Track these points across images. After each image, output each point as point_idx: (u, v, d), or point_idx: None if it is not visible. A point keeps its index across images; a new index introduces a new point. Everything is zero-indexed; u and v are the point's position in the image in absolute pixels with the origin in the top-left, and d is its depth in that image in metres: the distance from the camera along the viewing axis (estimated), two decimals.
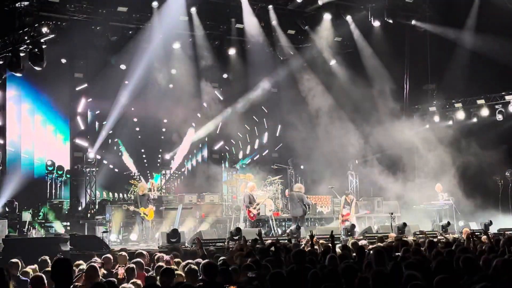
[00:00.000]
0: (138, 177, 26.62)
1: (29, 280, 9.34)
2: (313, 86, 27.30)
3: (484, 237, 13.76)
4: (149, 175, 27.27)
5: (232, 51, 26.54)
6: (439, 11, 26.61)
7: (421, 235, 17.69)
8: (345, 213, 22.65)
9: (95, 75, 25.11)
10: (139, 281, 9.12)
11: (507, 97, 25.72)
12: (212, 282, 7.86)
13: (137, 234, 20.92)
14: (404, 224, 20.11)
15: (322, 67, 27.58)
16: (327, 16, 26.33)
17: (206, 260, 8.72)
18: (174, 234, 17.92)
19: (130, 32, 24.11)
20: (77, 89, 25.36)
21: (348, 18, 26.62)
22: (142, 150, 27.69)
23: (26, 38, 21.03)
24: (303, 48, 27.82)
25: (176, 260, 11.51)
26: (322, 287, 6.98)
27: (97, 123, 26.40)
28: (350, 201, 22.80)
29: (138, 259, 11.40)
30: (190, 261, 10.23)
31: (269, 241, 13.97)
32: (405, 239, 11.81)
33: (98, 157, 25.15)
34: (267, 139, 29.72)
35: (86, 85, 25.35)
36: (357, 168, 27.19)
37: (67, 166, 25.17)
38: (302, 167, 28.53)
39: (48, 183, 24.63)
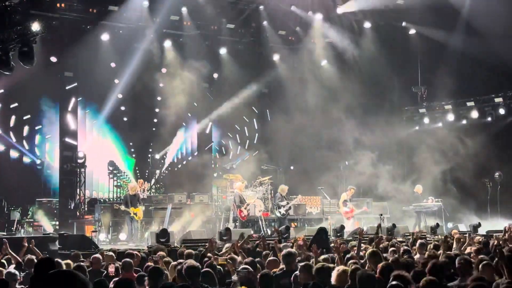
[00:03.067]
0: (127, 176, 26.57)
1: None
2: (304, 86, 27.31)
3: (477, 238, 13.82)
4: (138, 173, 27.23)
5: (223, 51, 26.56)
6: (429, 13, 26.66)
7: (410, 236, 17.72)
8: (349, 209, 22.84)
9: (86, 74, 25.03)
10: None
11: (497, 99, 25.83)
12: (194, 284, 7.82)
13: (126, 233, 20.87)
14: (394, 225, 20.15)
15: (313, 68, 27.59)
16: (318, 17, 26.39)
17: (190, 262, 8.67)
18: (163, 234, 17.86)
19: (120, 32, 24.07)
20: (67, 88, 25.27)
21: (339, 19, 26.69)
22: (132, 150, 27.64)
23: (15, 36, 20.92)
24: (294, 49, 27.83)
25: (166, 259, 11.44)
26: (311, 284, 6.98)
27: (87, 122, 26.32)
28: (350, 197, 23.19)
29: (128, 259, 11.34)
30: (181, 261, 10.19)
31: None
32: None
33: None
34: (257, 140, 29.70)
35: (76, 84, 25.25)
36: (347, 169, 27.21)
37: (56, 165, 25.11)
38: (292, 167, 28.56)
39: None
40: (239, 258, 10.56)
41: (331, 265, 8.63)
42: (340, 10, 26.30)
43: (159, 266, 9.16)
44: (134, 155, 27.74)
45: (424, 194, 24.63)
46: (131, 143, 27.85)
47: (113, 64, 25.01)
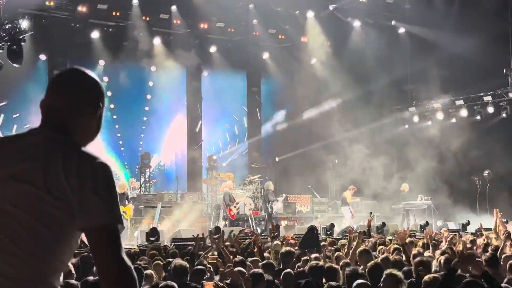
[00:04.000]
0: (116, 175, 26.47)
1: None
2: (294, 85, 27.32)
3: (466, 237, 13.86)
4: (129, 172, 27.14)
5: (213, 49, 26.55)
6: (419, 12, 26.76)
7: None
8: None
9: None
10: None
11: (486, 98, 25.93)
12: (182, 283, 7.80)
13: None
14: (383, 224, 20.18)
15: (303, 66, 27.60)
16: (308, 16, 26.43)
17: (178, 261, 8.65)
18: (153, 233, 17.81)
19: (110, 30, 24.00)
20: None
21: (329, 18, 26.73)
22: (122, 149, 27.55)
23: (4, 34, 20.82)
24: (284, 48, 27.82)
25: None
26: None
27: None
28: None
29: None
30: (170, 260, 10.14)
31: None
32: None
33: None
34: (247, 138, 29.68)
35: None
36: (337, 168, 27.25)
37: None
38: (282, 166, 28.56)
39: None
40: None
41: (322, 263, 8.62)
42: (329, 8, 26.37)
43: (139, 266, 9.09)
44: (123, 154, 27.63)
45: (412, 192, 24.72)
46: (120, 142, 27.74)
47: (102, 62, 24.91)
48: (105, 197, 2.74)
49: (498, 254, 9.45)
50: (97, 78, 3.01)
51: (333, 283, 6.80)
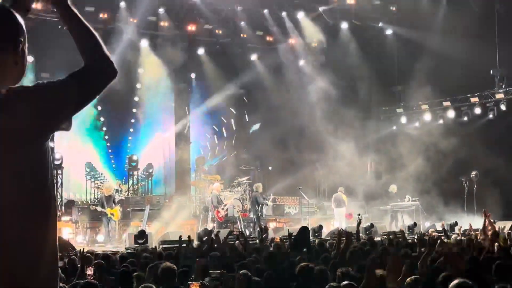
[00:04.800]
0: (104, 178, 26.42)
1: None
2: (282, 86, 27.34)
3: (453, 237, 13.92)
4: (116, 175, 27.08)
5: (201, 51, 26.55)
6: (406, 13, 26.87)
7: (388, 236, 17.79)
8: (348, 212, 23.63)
9: (63, 75, 24.77)
10: None
11: (472, 99, 26.04)
12: (170, 286, 7.79)
13: (104, 235, 20.74)
14: (371, 225, 20.25)
15: (290, 68, 27.62)
16: (295, 18, 26.47)
17: (165, 264, 8.64)
18: (141, 235, 17.79)
19: (97, 32, 23.91)
20: None
21: (317, 19, 26.79)
22: (110, 151, 27.50)
23: None
24: (272, 49, 27.84)
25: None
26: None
27: None
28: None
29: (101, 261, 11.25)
30: (158, 262, 10.12)
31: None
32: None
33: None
34: (235, 140, 29.68)
35: None
36: (325, 169, 27.29)
37: None
38: (270, 168, 28.58)
39: None
40: None
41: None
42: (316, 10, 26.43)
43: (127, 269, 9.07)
44: (111, 156, 27.58)
45: (400, 193, 24.81)
46: (108, 144, 27.69)
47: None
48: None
49: (483, 255, 9.48)
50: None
51: (334, 284, 6.79)
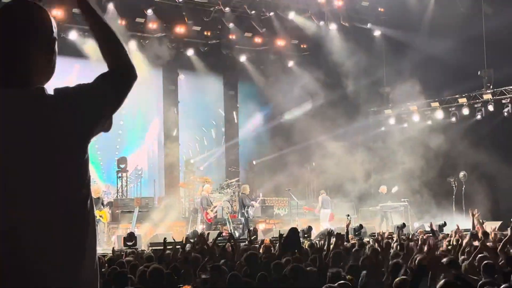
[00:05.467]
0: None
1: None
2: (271, 88, 27.36)
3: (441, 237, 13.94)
4: (105, 177, 26.99)
5: (190, 52, 26.54)
6: (394, 15, 26.94)
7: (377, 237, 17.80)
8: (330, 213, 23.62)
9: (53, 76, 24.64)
10: None
11: (461, 100, 26.14)
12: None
13: None
14: (361, 226, 20.26)
15: (279, 69, 27.63)
16: (284, 19, 26.49)
17: (153, 266, 8.60)
18: (130, 238, 17.75)
19: (86, 33, 23.82)
20: None
21: (305, 21, 26.83)
22: (99, 153, 27.36)
23: None
24: (261, 51, 27.86)
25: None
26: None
27: None
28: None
29: None
30: (148, 264, 10.08)
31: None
32: None
33: None
34: (225, 141, 29.66)
35: None
36: (314, 170, 27.33)
37: None
38: (259, 169, 28.57)
39: None
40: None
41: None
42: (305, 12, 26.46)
43: (123, 271, 9.03)
44: (99, 158, 27.44)
45: (389, 193, 24.87)
46: (96, 146, 27.51)
47: (77, 65, 24.72)
48: None
49: (473, 254, 9.51)
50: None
51: (334, 285, 6.78)
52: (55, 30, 2.86)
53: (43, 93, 2.70)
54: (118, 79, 2.88)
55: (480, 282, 7.11)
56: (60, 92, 2.72)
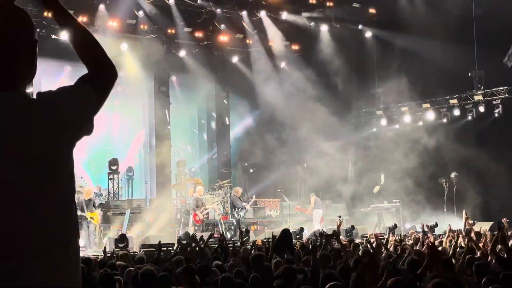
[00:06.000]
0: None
1: None
2: (263, 89, 27.35)
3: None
4: (96, 178, 26.93)
5: (182, 53, 26.53)
6: (385, 16, 27.01)
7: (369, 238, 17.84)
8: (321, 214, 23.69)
9: (46, 78, 24.56)
10: None
11: (452, 101, 26.21)
12: None
13: (84, 239, 20.59)
14: (352, 227, 20.31)
15: (271, 70, 27.63)
16: (275, 20, 26.54)
17: (145, 268, 8.58)
18: (122, 239, 17.72)
19: None
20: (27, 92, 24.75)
21: (297, 21, 26.88)
22: (90, 154, 27.28)
23: None
24: (252, 52, 27.86)
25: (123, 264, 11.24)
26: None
27: None
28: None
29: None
30: (140, 266, 10.04)
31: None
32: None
33: None
34: (216, 143, 29.62)
35: (32, 89, 24.79)
36: (306, 171, 27.35)
37: None
38: (251, 170, 28.57)
39: None
40: None
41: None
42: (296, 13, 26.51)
43: (111, 273, 8.99)
44: (90, 160, 27.36)
45: (381, 194, 24.93)
46: (87, 147, 27.41)
47: (68, 67, 24.68)
48: None
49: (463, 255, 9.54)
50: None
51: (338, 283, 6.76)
52: (35, 33, 2.87)
53: (27, 97, 2.71)
54: (99, 81, 2.86)
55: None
56: (44, 96, 2.72)
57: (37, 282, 2.58)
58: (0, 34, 2.72)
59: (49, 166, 2.66)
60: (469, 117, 25.79)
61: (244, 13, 26.25)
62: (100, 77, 2.88)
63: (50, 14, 2.93)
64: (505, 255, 9.38)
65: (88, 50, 2.89)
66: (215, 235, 18.02)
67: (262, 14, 26.41)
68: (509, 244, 10.80)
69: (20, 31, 2.78)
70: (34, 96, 2.76)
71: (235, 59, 27.84)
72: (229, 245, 13.21)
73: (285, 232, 13.31)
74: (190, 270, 8.72)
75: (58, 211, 2.68)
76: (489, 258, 9.63)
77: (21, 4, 2.89)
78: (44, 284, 2.59)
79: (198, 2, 24.97)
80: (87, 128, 2.81)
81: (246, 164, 28.17)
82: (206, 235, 16.70)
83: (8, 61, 2.74)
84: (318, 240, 12.87)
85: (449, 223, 16.85)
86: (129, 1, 23.83)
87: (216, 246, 13.45)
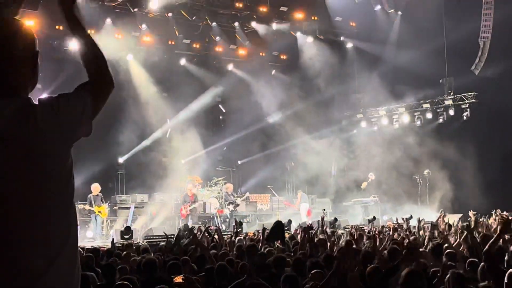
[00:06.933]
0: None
1: None
2: (255, 94, 27.35)
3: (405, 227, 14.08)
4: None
5: (183, 61, 26.59)
6: (364, 29, 27.09)
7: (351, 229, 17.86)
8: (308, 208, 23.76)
9: (56, 86, 24.45)
10: None
11: (424, 105, 26.33)
12: (152, 278, 7.72)
13: (93, 231, 20.57)
14: (335, 219, 20.31)
15: (263, 78, 27.60)
16: (265, 31, 26.57)
17: (147, 257, 8.56)
18: (127, 231, 17.70)
19: None
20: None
21: (284, 33, 26.98)
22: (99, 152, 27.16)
23: None
24: (246, 61, 27.84)
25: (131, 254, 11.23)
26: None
27: None
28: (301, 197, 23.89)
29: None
30: (146, 255, 10.02)
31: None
32: None
33: None
34: (213, 144, 29.55)
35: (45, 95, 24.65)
36: (293, 169, 27.38)
37: None
38: (243, 169, 28.55)
39: None
40: None
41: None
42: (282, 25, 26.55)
43: (112, 262, 8.97)
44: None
45: (367, 190, 25.00)
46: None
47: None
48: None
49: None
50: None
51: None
52: (37, 44, 2.86)
53: (29, 103, 2.72)
54: (97, 90, 2.86)
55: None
56: (45, 102, 2.73)
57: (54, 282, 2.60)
58: (4, 45, 2.74)
59: (49, 166, 2.67)
60: (440, 120, 25.91)
61: (237, 25, 26.26)
62: (100, 87, 2.88)
63: (64, 24, 2.94)
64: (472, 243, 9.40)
65: (93, 62, 2.89)
66: (211, 228, 17.99)
67: (254, 25, 26.41)
68: (476, 234, 10.84)
69: (23, 42, 2.79)
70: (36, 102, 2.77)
71: (230, 67, 27.89)
72: (224, 236, 13.22)
73: (278, 224, 13.32)
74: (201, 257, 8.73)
75: (58, 210, 2.69)
76: (461, 247, 9.68)
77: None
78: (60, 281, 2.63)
79: (194, 18, 25.03)
80: (85, 131, 2.81)
81: (239, 162, 28.14)
82: (201, 227, 16.72)
83: (12, 70, 2.75)
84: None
85: (422, 216, 16.89)
86: (133, 16, 23.80)
87: (211, 237, 13.44)
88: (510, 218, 7.98)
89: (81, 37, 2.90)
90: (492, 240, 6.80)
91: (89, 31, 2.93)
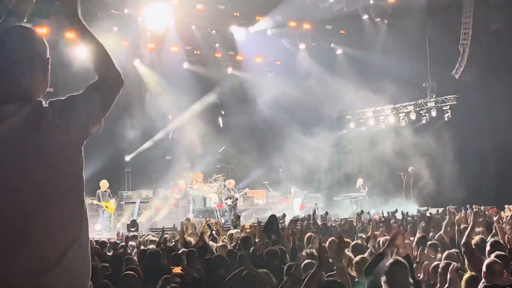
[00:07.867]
0: None
1: None
2: (252, 96, 27.33)
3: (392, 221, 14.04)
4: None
5: (185, 65, 26.61)
6: (353, 36, 27.08)
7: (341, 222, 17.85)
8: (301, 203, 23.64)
9: (67, 89, 24.39)
10: None
11: (409, 107, 26.34)
12: (155, 268, 7.69)
13: (101, 225, 20.52)
14: (326, 213, 20.31)
15: (259, 81, 27.57)
16: (261, 39, 26.56)
17: (151, 248, 8.51)
18: (133, 224, 17.66)
19: None
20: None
21: (278, 40, 27.01)
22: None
23: None
24: (243, 66, 27.84)
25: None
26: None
27: None
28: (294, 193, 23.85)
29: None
30: (151, 247, 9.97)
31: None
32: None
33: None
34: (212, 143, 29.51)
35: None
36: (288, 167, 27.36)
37: None
38: (241, 166, 28.50)
39: None
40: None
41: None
42: (275, 31, 26.54)
43: (118, 254, 8.92)
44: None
45: (361, 185, 25.04)
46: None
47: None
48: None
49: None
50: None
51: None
52: (48, 51, 2.84)
53: (41, 106, 2.70)
54: (107, 89, 2.83)
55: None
56: (55, 103, 2.72)
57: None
58: (17, 53, 2.72)
59: (62, 164, 2.65)
60: (423, 121, 25.91)
61: (235, 31, 26.22)
62: (108, 84, 2.84)
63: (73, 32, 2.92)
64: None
65: (101, 62, 2.86)
66: (211, 221, 17.95)
67: (251, 31, 26.38)
68: (457, 227, 10.81)
69: (35, 50, 2.77)
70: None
71: (229, 70, 27.92)
72: (224, 228, 13.19)
73: (272, 217, 13.30)
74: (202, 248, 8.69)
75: (71, 205, 2.67)
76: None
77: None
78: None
79: (192, 27, 25.04)
80: (96, 128, 2.80)
81: (237, 160, 28.09)
82: (202, 220, 16.70)
83: (25, 76, 2.73)
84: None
85: (407, 210, 16.91)
86: (138, 25, 23.79)
87: (211, 230, 13.40)
88: (477, 210, 7.99)
89: (89, 42, 2.88)
90: (467, 232, 6.80)
91: (96, 36, 2.91)
